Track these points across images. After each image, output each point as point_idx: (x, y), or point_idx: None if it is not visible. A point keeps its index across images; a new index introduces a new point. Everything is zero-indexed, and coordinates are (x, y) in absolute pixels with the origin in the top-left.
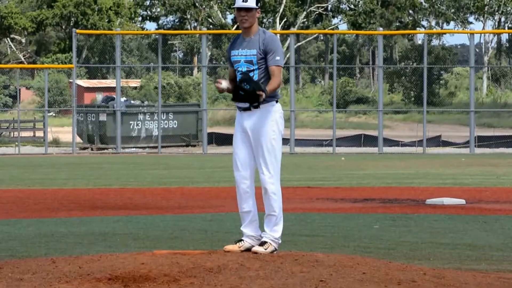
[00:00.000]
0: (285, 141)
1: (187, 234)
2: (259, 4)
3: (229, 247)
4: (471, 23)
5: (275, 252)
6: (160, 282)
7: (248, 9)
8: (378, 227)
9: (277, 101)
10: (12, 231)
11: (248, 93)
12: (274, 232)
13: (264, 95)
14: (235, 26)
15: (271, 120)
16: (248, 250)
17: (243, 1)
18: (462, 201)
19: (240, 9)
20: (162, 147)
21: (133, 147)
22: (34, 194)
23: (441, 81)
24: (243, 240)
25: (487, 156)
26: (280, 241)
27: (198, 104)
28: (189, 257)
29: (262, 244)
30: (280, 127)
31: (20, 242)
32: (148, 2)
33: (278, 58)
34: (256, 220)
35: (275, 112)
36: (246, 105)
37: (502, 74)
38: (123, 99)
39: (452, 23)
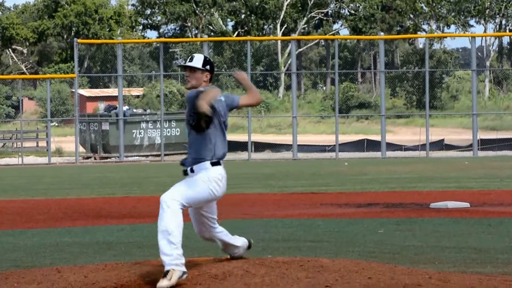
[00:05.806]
0: (288, 147)
1: (192, 241)
2: (207, 67)
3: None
4: (472, 26)
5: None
6: None
7: (192, 69)
8: (382, 232)
9: (213, 164)
10: (17, 241)
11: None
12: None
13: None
14: (236, 33)
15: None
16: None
17: (188, 60)
18: (466, 205)
19: (184, 67)
20: (165, 155)
21: (136, 156)
22: (38, 204)
23: (443, 85)
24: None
25: (491, 159)
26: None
27: None
28: (194, 264)
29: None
30: (212, 184)
31: (25, 252)
32: (148, 11)
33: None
34: (225, 242)
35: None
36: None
37: (504, 76)
38: (125, 107)
39: (453, 26)
